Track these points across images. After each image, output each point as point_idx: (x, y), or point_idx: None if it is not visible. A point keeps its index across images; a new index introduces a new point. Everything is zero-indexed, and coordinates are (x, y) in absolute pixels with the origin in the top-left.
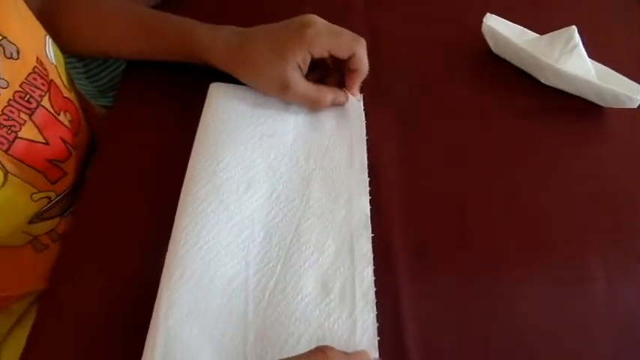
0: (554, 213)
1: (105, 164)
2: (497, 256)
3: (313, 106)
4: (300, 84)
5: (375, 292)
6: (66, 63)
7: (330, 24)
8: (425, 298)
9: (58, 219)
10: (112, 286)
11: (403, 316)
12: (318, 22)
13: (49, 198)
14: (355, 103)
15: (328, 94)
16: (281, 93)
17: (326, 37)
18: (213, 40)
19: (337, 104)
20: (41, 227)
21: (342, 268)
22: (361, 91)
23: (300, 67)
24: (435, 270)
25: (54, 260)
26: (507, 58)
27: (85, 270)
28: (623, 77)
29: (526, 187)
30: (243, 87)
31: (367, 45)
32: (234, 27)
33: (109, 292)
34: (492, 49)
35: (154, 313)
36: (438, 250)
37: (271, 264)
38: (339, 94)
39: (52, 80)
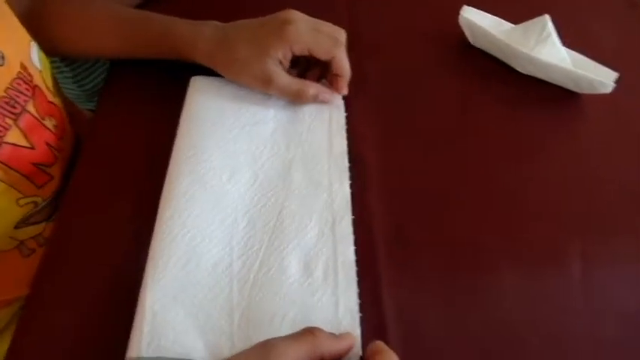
0: (532, 198)
1: (88, 165)
2: (476, 240)
3: (295, 99)
4: (282, 78)
5: (357, 272)
6: (53, 68)
7: (311, 21)
8: (404, 280)
9: (44, 224)
10: (96, 288)
11: (382, 296)
12: (299, 19)
13: (36, 203)
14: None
15: (310, 88)
16: (264, 87)
17: (306, 37)
18: (194, 36)
19: (322, 101)
20: (27, 232)
21: (324, 249)
22: None
23: (281, 62)
24: (414, 254)
25: (38, 264)
26: (484, 49)
27: (68, 272)
28: (597, 64)
29: (504, 174)
30: (224, 79)
31: (348, 35)
32: (216, 22)
33: (93, 294)
34: (470, 40)
35: (139, 299)
36: (417, 235)
37: (255, 247)
38: (323, 91)
39: (36, 85)
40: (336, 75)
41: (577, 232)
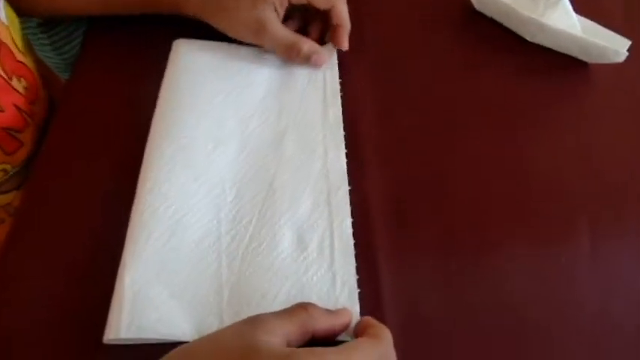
0: (539, 171)
1: (62, 130)
2: (479, 214)
3: (288, 53)
4: (277, 27)
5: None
6: (30, 34)
7: None
8: (403, 256)
9: (14, 192)
10: (69, 259)
11: (380, 273)
12: None
13: (5, 170)
14: (329, 55)
15: (305, 43)
16: (256, 37)
17: None
18: None
19: (314, 63)
20: None
21: (319, 221)
22: None
23: (276, 10)
24: (413, 228)
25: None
26: (490, 15)
27: (38, 242)
28: (610, 31)
29: (510, 146)
30: (210, 42)
31: None
32: None
33: (65, 265)
34: (475, 5)
35: (117, 278)
36: (417, 208)
37: (244, 221)
38: (318, 51)
39: (2, 42)
40: (337, 26)
41: (585, 208)
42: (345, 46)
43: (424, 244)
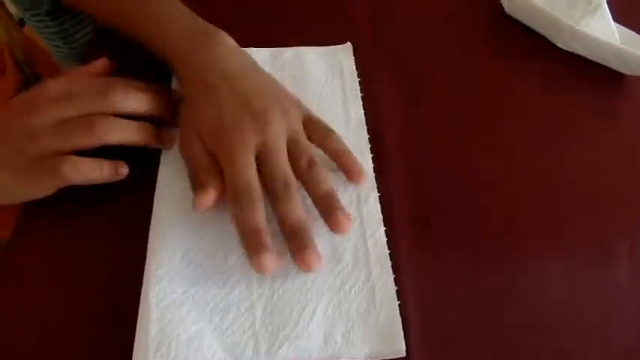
0: (571, 186)
1: None
2: (510, 231)
3: None
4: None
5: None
6: (37, 21)
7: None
8: (427, 271)
9: None
10: (86, 282)
11: (404, 287)
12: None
13: None
14: (346, 55)
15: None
16: None
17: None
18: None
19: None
20: None
21: (351, 232)
22: (363, 47)
23: None
24: (439, 241)
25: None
26: (521, 19)
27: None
28: None
29: (542, 158)
30: None
31: None
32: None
33: (82, 286)
34: (505, 9)
35: (141, 300)
36: (444, 221)
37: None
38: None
39: None
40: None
41: (624, 230)
42: (362, 180)
43: (451, 259)
